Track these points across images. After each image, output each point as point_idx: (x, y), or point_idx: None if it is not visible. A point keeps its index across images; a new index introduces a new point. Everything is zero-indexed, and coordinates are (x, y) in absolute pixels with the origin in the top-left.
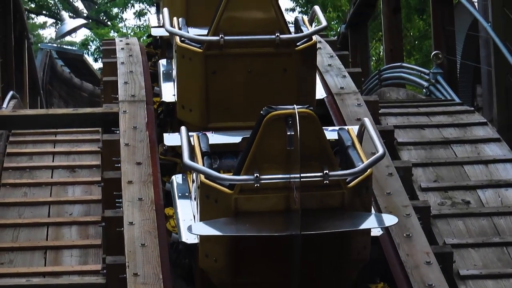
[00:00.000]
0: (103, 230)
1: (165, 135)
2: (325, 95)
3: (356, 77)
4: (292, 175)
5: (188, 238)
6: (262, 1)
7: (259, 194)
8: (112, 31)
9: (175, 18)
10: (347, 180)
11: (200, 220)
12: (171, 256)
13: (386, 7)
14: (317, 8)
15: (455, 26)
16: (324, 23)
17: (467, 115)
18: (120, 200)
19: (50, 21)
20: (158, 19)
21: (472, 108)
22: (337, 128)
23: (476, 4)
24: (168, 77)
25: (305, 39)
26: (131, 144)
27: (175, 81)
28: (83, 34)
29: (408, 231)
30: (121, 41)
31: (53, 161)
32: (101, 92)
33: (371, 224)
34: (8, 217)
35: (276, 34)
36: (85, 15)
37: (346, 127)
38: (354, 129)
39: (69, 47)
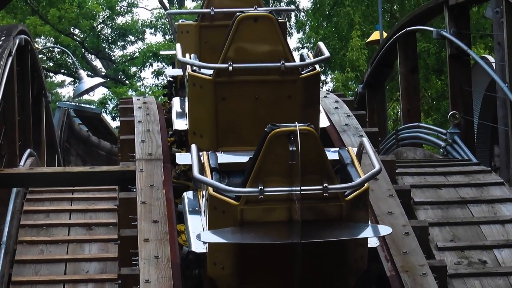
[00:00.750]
0: None
1: (177, 154)
2: (329, 124)
3: (373, 137)
4: (293, 188)
5: (198, 247)
6: (268, 32)
7: (263, 205)
8: (130, 90)
9: (187, 54)
10: (345, 194)
11: (209, 230)
12: (182, 268)
13: (404, 67)
14: (321, 43)
15: (472, 86)
16: (326, 54)
17: (484, 175)
18: (137, 258)
19: (68, 79)
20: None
21: (489, 168)
22: (337, 148)
23: (493, 64)
24: (181, 115)
25: (309, 69)
26: (148, 202)
27: (187, 109)
28: (101, 92)
29: None
30: (138, 100)
31: (69, 218)
32: (118, 150)
33: (367, 234)
34: (24, 274)
35: (281, 62)
36: (103, 73)
37: (346, 148)
38: (354, 150)
39: (87, 106)
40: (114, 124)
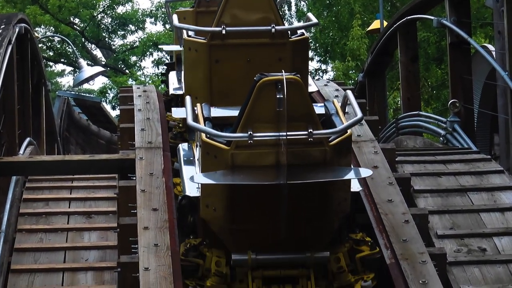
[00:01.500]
0: (119, 276)
1: (173, 109)
2: (317, 89)
3: (373, 125)
4: (280, 133)
5: (191, 191)
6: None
7: (252, 150)
8: (130, 79)
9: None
10: (329, 140)
11: (202, 163)
12: (177, 217)
13: (404, 56)
14: (310, 14)
15: (472, 75)
16: (314, 20)
17: (484, 163)
18: (136, 246)
19: (69, 69)
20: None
21: (489, 156)
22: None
23: (493, 53)
24: (178, 82)
25: (299, 34)
26: (147, 190)
27: (183, 75)
28: (101, 82)
29: (424, 278)
30: (138, 88)
31: (69, 207)
32: (118, 138)
33: (349, 175)
34: (23, 262)
35: (272, 25)
36: (103, 63)
37: (331, 100)
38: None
39: (87, 95)
40: (114, 113)
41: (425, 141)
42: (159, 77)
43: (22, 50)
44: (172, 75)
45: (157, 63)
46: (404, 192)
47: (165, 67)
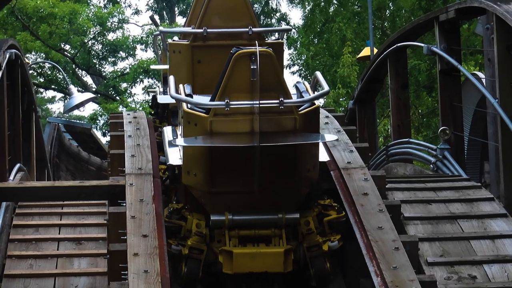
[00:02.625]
0: None
1: (159, 96)
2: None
3: (364, 152)
4: (254, 102)
5: (174, 161)
6: (239, 6)
7: (229, 117)
8: (120, 106)
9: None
10: (299, 109)
11: (184, 130)
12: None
13: (394, 83)
14: (318, 74)
15: (463, 102)
16: (326, 88)
17: (474, 190)
18: (126, 272)
19: (59, 95)
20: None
21: (479, 184)
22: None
23: (483, 80)
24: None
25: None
26: (137, 216)
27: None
28: (91, 108)
29: None
30: (128, 114)
31: (59, 233)
32: (108, 165)
33: (315, 139)
34: None
35: (249, 27)
36: (94, 89)
37: (301, 81)
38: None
39: (77, 121)
40: (104, 140)
41: (415, 168)
42: (149, 104)
43: (13, 76)
44: (168, 133)
45: (147, 90)
46: (394, 219)
47: (151, 99)
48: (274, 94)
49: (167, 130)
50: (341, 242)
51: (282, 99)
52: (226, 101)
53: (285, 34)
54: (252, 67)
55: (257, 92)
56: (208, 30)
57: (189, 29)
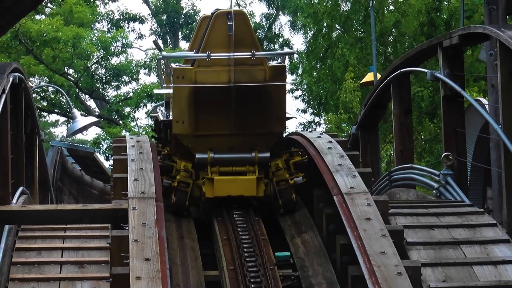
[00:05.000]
0: None
1: (155, 90)
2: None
3: (366, 177)
4: (230, 54)
5: (164, 117)
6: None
7: (211, 68)
8: (123, 130)
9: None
10: (268, 63)
11: (173, 90)
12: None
13: (397, 108)
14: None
15: (466, 128)
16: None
17: (477, 216)
18: None
19: (62, 119)
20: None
21: (482, 210)
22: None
23: (487, 106)
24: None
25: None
26: (140, 240)
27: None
28: (94, 132)
29: None
30: (131, 138)
31: (62, 256)
32: (111, 188)
33: (282, 84)
34: None
35: (252, 51)
36: (97, 113)
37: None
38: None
39: (81, 145)
40: (108, 164)
41: (418, 193)
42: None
43: (16, 99)
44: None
45: (150, 114)
46: (397, 244)
47: (154, 123)
48: (247, 48)
49: (160, 110)
50: (305, 179)
51: (254, 51)
52: (207, 52)
53: (287, 57)
54: (228, 23)
55: (232, 44)
56: (212, 54)
57: (192, 54)
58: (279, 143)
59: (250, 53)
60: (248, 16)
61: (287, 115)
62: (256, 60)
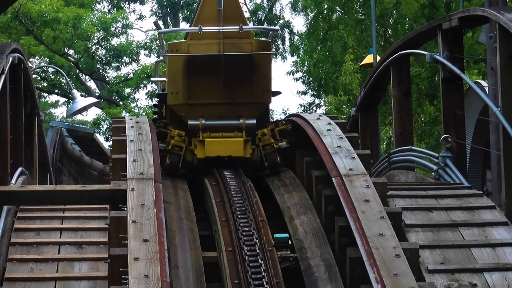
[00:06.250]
0: None
1: (152, 78)
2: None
3: (365, 159)
4: (219, 28)
5: (161, 91)
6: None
7: (202, 41)
8: (124, 111)
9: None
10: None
11: (168, 61)
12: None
13: (397, 90)
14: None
15: (466, 111)
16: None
17: (475, 198)
18: (127, 277)
19: (62, 100)
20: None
21: (480, 192)
22: None
23: (486, 89)
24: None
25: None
26: (139, 221)
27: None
28: (95, 113)
29: None
30: (131, 119)
31: (60, 237)
32: (109, 169)
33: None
34: None
35: (240, 25)
36: (97, 94)
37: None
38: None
39: (80, 126)
40: (107, 144)
41: (417, 176)
42: (152, 109)
43: (15, 80)
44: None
45: (150, 95)
46: (395, 226)
47: (157, 98)
48: (235, 23)
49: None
50: (288, 144)
51: (242, 25)
52: (199, 26)
53: (274, 34)
54: None
55: (222, 19)
56: (203, 28)
57: (184, 28)
58: (265, 115)
59: (238, 27)
60: None
61: (273, 90)
62: (244, 34)
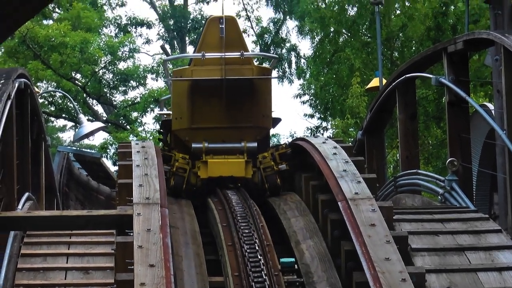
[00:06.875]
0: None
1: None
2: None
3: (371, 183)
4: (222, 54)
5: (165, 118)
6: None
7: (205, 67)
8: (131, 135)
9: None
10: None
11: (173, 87)
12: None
13: (403, 113)
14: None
15: (472, 133)
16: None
17: (482, 222)
18: None
19: (70, 124)
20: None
21: (487, 216)
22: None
23: (492, 112)
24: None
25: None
26: (145, 246)
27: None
28: (102, 137)
29: None
30: (137, 144)
31: (67, 262)
32: (116, 194)
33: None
34: None
35: (241, 52)
36: (104, 118)
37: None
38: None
39: (87, 150)
40: (114, 169)
41: (423, 199)
42: (158, 132)
43: (22, 105)
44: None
45: (158, 119)
46: (401, 251)
47: (162, 126)
48: (236, 49)
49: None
50: (288, 167)
51: (243, 52)
52: (202, 52)
53: (275, 61)
54: (220, 26)
55: (224, 45)
56: (206, 54)
57: (188, 54)
58: (265, 140)
59: (239, 53)
60: (237, 21)
61: (275, 116)
62: (245, 60)
